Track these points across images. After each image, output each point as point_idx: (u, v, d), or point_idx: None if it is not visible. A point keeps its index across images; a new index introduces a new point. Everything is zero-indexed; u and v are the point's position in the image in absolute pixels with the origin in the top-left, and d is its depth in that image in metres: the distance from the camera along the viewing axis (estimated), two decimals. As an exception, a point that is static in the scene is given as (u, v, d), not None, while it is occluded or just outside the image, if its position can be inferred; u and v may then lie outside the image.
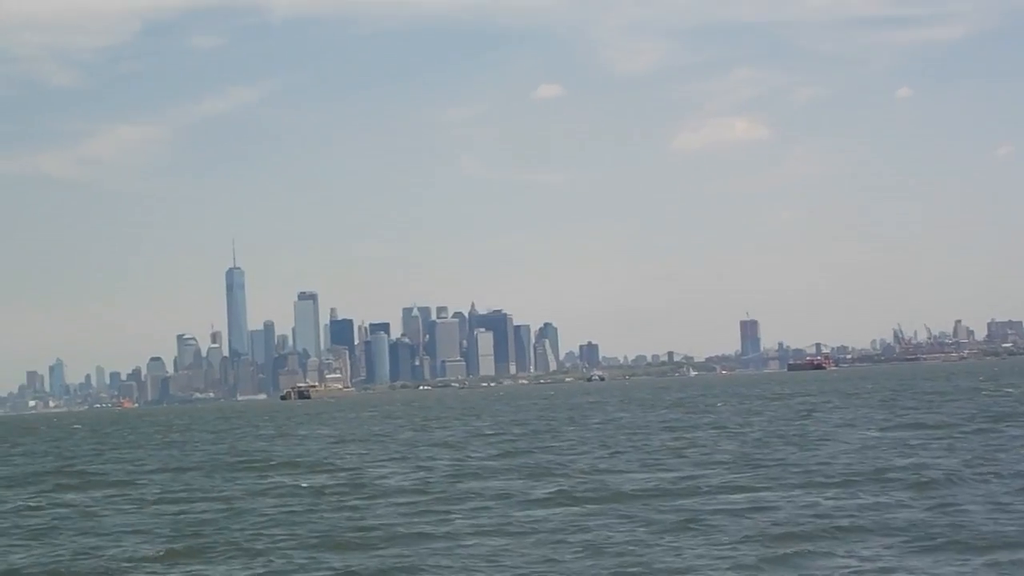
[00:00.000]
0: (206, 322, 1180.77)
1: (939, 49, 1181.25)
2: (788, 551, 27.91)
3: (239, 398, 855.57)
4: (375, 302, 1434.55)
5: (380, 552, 30.99)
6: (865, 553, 27.41)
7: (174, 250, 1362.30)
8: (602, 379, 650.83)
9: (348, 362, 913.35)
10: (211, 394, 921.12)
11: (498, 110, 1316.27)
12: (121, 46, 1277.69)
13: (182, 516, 40.48)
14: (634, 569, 26.77)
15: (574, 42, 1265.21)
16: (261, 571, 29.14)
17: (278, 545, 32.78)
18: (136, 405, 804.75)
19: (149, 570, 30.36)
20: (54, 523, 41.00)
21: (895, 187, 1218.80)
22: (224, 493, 47.70)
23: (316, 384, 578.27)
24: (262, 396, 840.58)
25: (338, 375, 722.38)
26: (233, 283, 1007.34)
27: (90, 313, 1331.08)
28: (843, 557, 27.28)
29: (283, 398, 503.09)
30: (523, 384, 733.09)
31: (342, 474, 54.57)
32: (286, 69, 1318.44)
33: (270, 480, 52.58)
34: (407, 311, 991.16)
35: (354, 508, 40.09)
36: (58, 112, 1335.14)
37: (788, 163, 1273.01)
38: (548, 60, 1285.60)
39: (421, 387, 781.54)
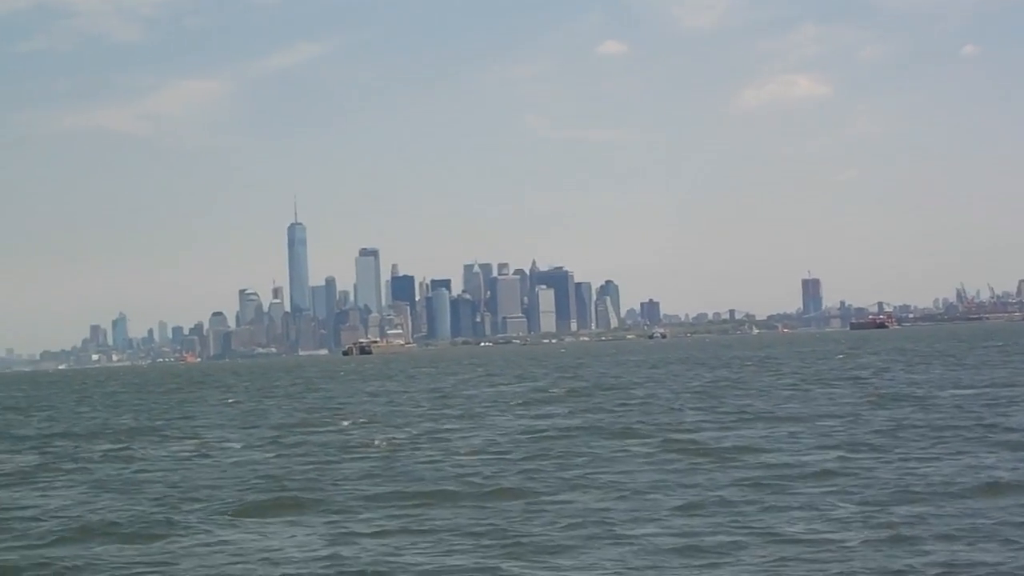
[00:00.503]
0: (268, 277, 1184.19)
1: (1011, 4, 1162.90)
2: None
3: (300, 353, 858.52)
4: (436, 258, 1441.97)
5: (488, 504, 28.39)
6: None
7: (236, 205, 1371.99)
8: (664, 336, 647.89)
9: (409, 318, 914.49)
10: (273, 349, 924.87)
11: (562, 67, 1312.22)
12: (184, 1, 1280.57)
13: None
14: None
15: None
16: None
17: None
18: (199, 360, 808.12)
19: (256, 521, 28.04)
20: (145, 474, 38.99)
21: (958, 146, 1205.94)
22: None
23: (378, 340, 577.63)
24: (323, 351, 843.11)
25: (399, 331, 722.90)
26: (295, 239, 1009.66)
27: (153, 268, 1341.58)
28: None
29: (345, 353, 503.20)
30: (584, 341, 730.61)
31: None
32: (349, 25, 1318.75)
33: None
34: (468, 267, 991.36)
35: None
36: (121, 67, 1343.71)
37: (851, 121, 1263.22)
38: (612, 17, 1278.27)
39: (482, 343, 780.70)
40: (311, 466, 38.29)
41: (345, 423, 57.75)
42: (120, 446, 50.55)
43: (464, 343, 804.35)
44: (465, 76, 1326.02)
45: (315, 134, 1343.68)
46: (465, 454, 40.26)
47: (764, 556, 21.65)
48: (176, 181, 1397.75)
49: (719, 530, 24.10)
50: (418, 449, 42.96)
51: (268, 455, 43.19)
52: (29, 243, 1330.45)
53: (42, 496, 34.53)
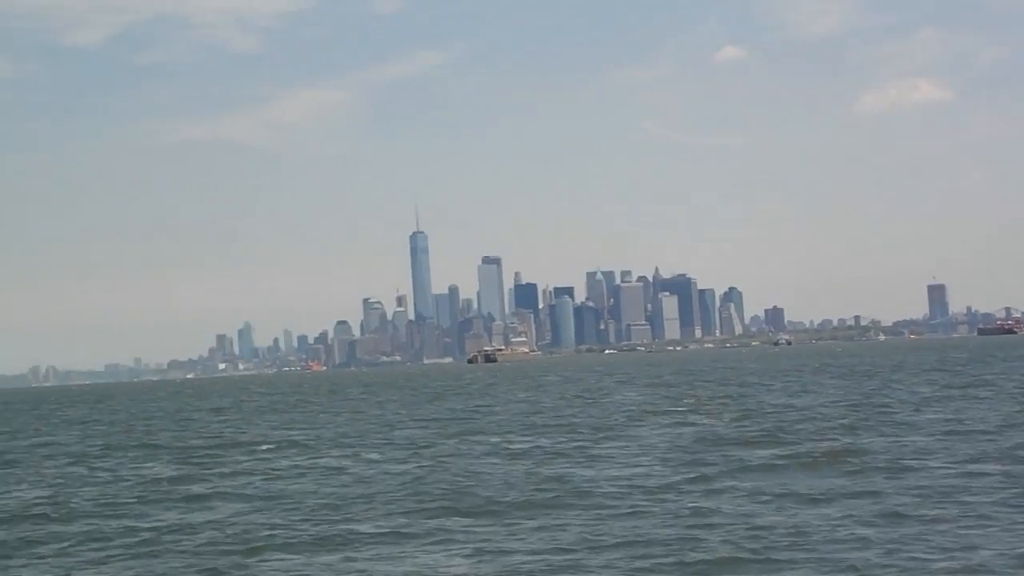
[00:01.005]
0: (391, 286, 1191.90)
1: None
2: None
3: (424, 361, 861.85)
4: (559, 266, 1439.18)
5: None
6: None
7: (359, 214, 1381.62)
8: (788, 343, 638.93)
9: (533, 326, 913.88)
10: (397, 357, 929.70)
11: (681, 73, 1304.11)
12: (302, 11, 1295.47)
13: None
14: None
15: (758, 4, 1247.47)
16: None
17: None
18: (324, 368, 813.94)
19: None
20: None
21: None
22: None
23: (502, 348, 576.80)
24: (448, 360, 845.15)
25: (523, 339, 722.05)
26: (417, 247, 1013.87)
27: (278, 277, 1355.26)
28: None
29: (469, 361, 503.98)
30: (708, 348, 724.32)
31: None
32: (469, 32, 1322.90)
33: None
34: (591, 275, 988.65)
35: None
36: (241, 77, 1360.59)
37: (972, 125, 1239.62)
38: (731, 22, 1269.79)
39: (606, 351, 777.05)
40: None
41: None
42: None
43: (588, 351, 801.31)
44: (585, 82, 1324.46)
45: (436, 142, 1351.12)
46: None
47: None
48: (299, 191, 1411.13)
49: None
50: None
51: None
52: (157, 254, 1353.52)
53: (208, 511, 33.41)
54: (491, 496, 32.23)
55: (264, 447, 54.82)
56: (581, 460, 41.36)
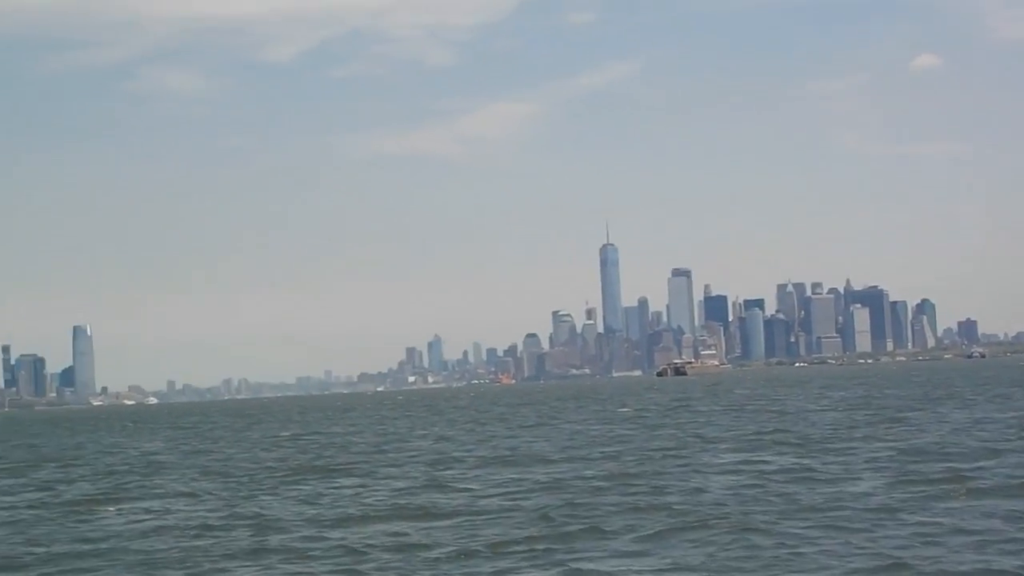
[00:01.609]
0: (581, 299, 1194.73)
1: None
2: None
3: (614, 374, 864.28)
4: (749, 278, 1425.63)
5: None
6: None
7: (549, 227, 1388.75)
8: (982, 356, 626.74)
9: (723, 339, 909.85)
10: (586, 370, 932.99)
11: (875, 82, 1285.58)
12: (495, 24, 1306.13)
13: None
14: None
15: (953, 10, 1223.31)
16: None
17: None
18: (514, 381, 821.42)
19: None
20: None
21: None
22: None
23: (692, 360, 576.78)
24: (637, 372, 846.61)
25: (713, 351, 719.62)
26: (607, 259, 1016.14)
27: (468, 290, 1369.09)
28: None
29: (659, 374, 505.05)
30: (900, 361, 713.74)
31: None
32: (659, 42, 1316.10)
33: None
34: (781, 287, 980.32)
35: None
36: (436, 91, 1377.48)
37: None
38: (925, 29, 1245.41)
39: (796, 364, 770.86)
40: None
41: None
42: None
43: (778, 364, 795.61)
44: (775, 91, 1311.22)
45: (626, 154, 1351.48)
46: None
47: None
48: (490, 203, 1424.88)
49: None
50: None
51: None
52: (349, 267, 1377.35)
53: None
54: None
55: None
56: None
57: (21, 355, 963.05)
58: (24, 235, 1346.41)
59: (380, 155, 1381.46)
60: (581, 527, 30.91)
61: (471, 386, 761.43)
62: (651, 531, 29.77)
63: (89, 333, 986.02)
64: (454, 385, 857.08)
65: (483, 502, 37.68)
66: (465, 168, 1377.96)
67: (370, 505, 38.78)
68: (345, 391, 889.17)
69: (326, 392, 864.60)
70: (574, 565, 26.05)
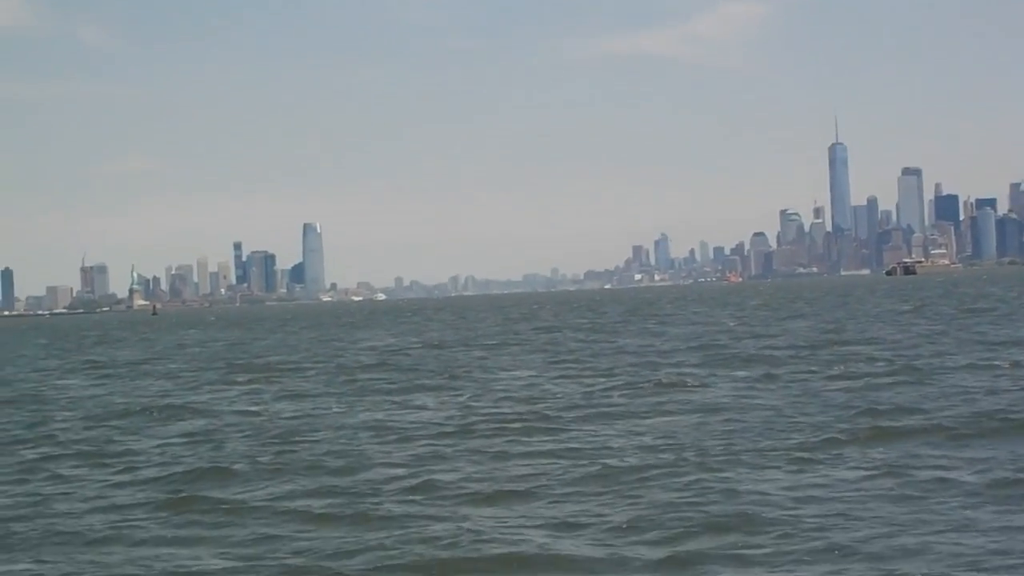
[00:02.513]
0: (809, 197, 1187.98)
1: None
2: None
3: (842, 273, 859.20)
4: (981, 176, 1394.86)
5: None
6: None
7: (777, 126, 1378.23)
8: None
9: (953, 238, 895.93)
10: (814, 269, 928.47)
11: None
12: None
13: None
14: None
15: None
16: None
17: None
18: (740, 280, 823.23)
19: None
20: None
21: None
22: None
23: (922, 260, 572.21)
24: (865, 271, 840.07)
25: (943, 251, 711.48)
26: (836, 158, 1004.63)
27: (696, 188, 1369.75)
28: None
29: (888, 274, 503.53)
30: None
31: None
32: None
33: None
34: (1015, 186, 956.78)
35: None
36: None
37: None
38: None
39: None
40: None
41: None
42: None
43: (1011, 263, 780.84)
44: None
45: (855, 54, 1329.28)
46: None
47: None
48: (719, 104, 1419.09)
49: None
50: None
51: None
52: (575, 167, 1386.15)
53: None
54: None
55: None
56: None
57: (252, 252, 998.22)
58: (258, 137, 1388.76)
59: (608, 55, 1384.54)
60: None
61: (698, 284, 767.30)
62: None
63: (319, 230, 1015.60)
64: (681, 283, 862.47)
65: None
66: (692, 68, 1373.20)
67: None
68: (572, 288, 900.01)
69: (552, 290, 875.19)
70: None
